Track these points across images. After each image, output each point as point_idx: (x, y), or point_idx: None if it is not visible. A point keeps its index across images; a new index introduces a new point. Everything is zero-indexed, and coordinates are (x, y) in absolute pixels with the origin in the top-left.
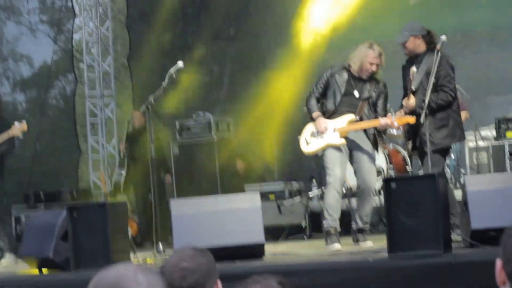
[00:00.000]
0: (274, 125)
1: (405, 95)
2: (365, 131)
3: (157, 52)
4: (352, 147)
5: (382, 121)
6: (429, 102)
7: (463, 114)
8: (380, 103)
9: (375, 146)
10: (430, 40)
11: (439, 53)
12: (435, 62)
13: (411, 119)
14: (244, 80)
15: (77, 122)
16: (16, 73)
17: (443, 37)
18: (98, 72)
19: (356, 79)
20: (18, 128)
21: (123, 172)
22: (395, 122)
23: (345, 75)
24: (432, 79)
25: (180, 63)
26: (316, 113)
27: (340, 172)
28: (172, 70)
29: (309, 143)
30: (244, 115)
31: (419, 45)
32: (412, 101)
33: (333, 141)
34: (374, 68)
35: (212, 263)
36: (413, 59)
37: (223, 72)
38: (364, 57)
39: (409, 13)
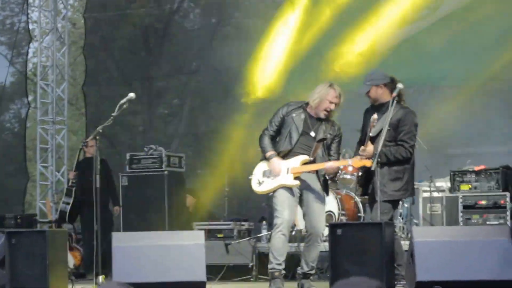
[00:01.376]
0: (228, 162)
1: (362, 139)
2: (316, 173)
3: (116, 81)
4: (302, 189)
5: (335, 163)
6: (386, 154)
7: None
8: (334, 146)
9: (326, 189)
10: (394, 88)
11: (394, 101)
12: (390, 110)
13: (368, 162)
14: (203, 114)
15: (29, 147)
16: None
17: (400, 85)
18: (51, 97)
19: (313, 119)
20: None
21: (70, 201)
22: (351, 164)
23: (302, 115)
24: (386, 128)
25: (131, 95)
26: (270, 153)
27: (288, 215)
28: (123, 101)
29: (261, 182)
30: (201, 150)
31: (382, 94)
32: (370, 148)
33: (287, 182)
34: (332, 107)
35: None
36: (378, 106)
37: (183, 105)
38: (325, 95)
39: (377, 61)
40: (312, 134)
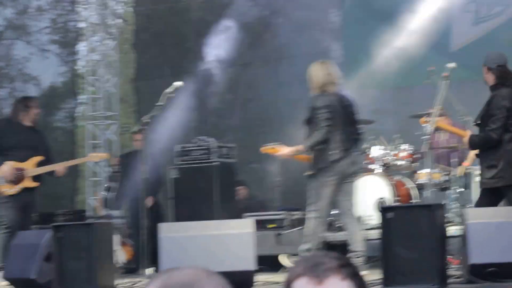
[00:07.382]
0: None
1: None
2: None
3: (167, 74)
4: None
5: None
6: (473, 140)
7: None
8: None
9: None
10: (501, 74)
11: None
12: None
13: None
14: (256, 108)
15: (81, 145)
16: (24, 94)
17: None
18: (102, 92)
19: None
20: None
21: (116, 186)
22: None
23: None
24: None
25: (177, 83)
26: None
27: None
28: (168, 90)
29: None
30: (253, 143)
31: (488, 78)
32: (467, 136)
33: None
34: None
35: None
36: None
37: (235, 99)
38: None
39: None
40: None
